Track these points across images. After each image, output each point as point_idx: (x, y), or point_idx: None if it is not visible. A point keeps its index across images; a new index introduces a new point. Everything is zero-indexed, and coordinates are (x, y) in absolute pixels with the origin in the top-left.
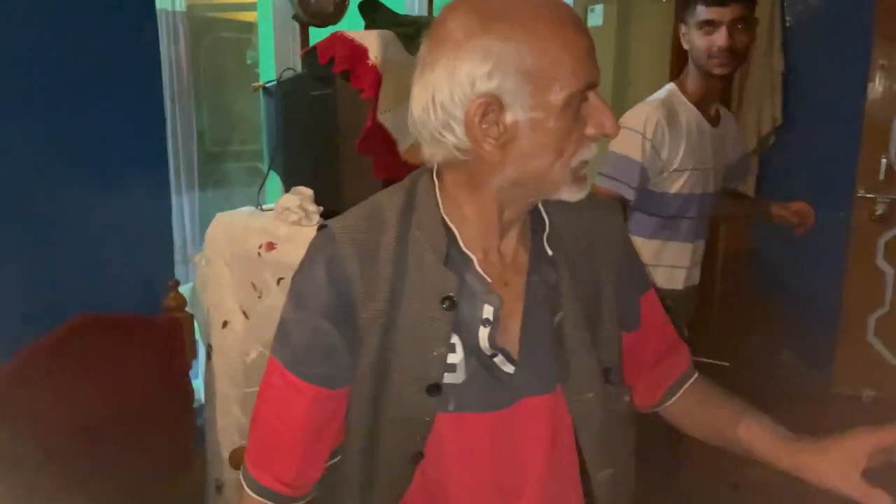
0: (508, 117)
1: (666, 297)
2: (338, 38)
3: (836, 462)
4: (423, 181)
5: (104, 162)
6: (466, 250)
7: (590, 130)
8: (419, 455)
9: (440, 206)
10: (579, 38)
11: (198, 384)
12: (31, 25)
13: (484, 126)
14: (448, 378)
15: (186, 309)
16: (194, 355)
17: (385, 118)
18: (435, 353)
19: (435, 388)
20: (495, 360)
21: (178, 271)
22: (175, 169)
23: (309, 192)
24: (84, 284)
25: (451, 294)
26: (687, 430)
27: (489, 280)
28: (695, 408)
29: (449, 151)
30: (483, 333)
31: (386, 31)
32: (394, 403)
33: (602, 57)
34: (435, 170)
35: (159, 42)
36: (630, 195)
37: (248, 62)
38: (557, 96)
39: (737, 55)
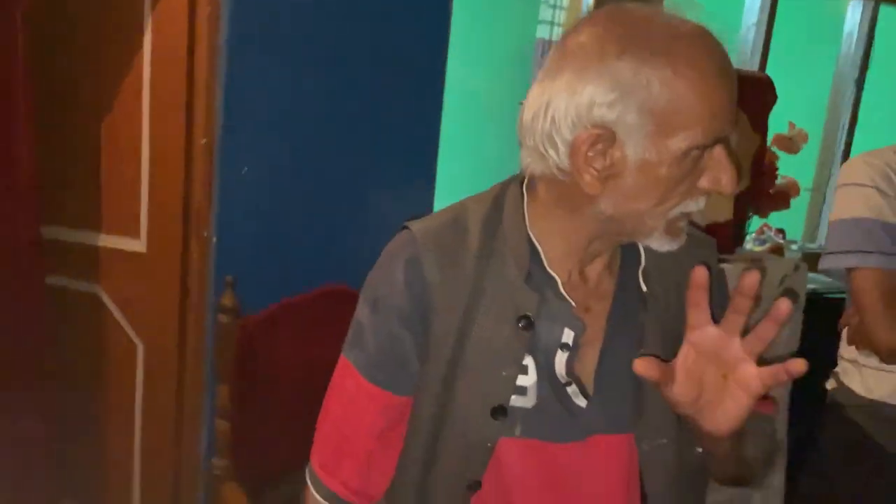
0: (618, 152)
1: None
2: None
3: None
4: (513, 190)
5: (387, 173)
6: (551, 270)
7: (703, 183)
8: (476, 484)
9: (527, 220)
10: (721, 89)
11: None
12: (345, 56)
13: (590, 154)
14: (516, 401)
15: None
16: None
17: None
18: (505, 374)
19: (500, 411)
20: (568, 389)
21: None
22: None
23: None
24: (346, 262)
25: (530, 314)
26: None
27: (573, 304)
28: None
29: (548, 167)
30: (560, 358)
31: None
32: (456, 422)
33: None
34: (526, 180)
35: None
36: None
37: None
38: (679, 144)
39: None
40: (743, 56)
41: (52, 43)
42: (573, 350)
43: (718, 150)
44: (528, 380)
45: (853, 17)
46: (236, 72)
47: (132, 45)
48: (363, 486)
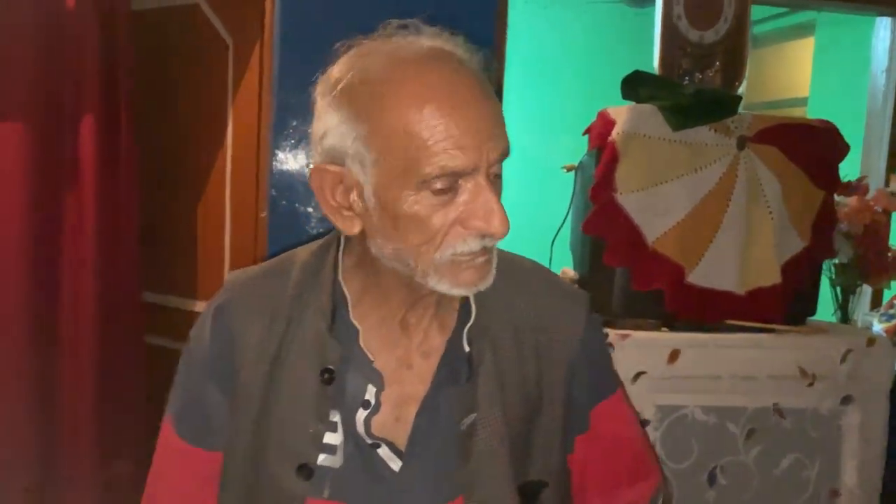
0: (354, 186)
1: None
2: (599, 115)
3: None
4: (335, 238)
5: None
6: (354, 321)
7: (467, 223)
8: None
9: (339, 267)
10: (456, 113)
11: None
12: None
13: (330, 190)
14: (325, 460)
15: None
16: None
17: (628, 199)
18: (311, 431)
19: (306, 470)
20: (379, 451)
21: None
22: None
23: (572, 274)
24: None
25: (332, 367)
26: None
27: (371, 357)
28: None
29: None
30: (360, 416)
31: (647, 105)
32: (266, 481)
33: None
34: None
35: None
36: None
37: None
38: (410, 177)
39: None
40: (873, 104)
41: (153, 125)
42: (375, 407)
43: (474, 184)
44: (336, 438)
45: None
46: (279, 156)
47: (219, 132)
48: None
